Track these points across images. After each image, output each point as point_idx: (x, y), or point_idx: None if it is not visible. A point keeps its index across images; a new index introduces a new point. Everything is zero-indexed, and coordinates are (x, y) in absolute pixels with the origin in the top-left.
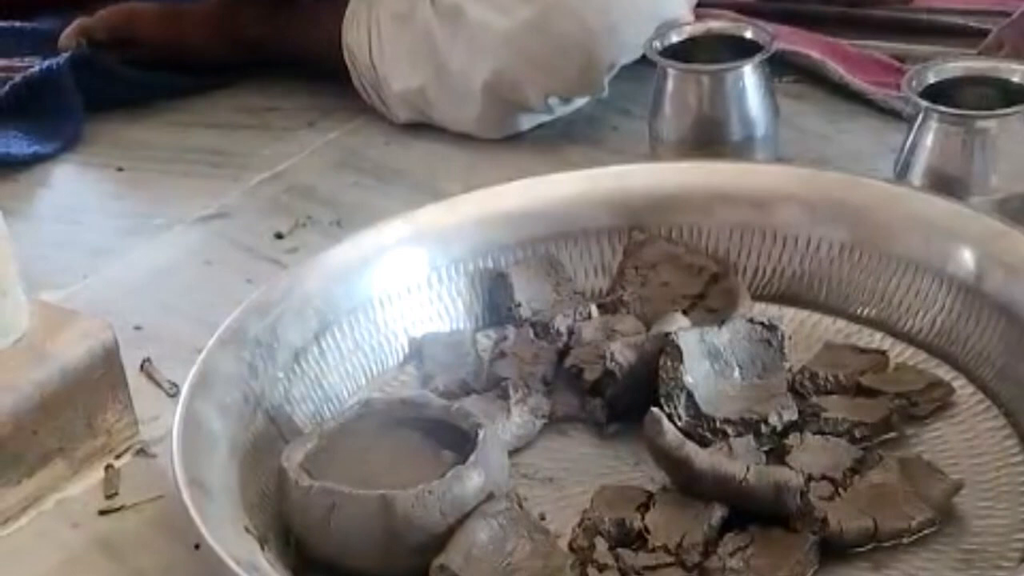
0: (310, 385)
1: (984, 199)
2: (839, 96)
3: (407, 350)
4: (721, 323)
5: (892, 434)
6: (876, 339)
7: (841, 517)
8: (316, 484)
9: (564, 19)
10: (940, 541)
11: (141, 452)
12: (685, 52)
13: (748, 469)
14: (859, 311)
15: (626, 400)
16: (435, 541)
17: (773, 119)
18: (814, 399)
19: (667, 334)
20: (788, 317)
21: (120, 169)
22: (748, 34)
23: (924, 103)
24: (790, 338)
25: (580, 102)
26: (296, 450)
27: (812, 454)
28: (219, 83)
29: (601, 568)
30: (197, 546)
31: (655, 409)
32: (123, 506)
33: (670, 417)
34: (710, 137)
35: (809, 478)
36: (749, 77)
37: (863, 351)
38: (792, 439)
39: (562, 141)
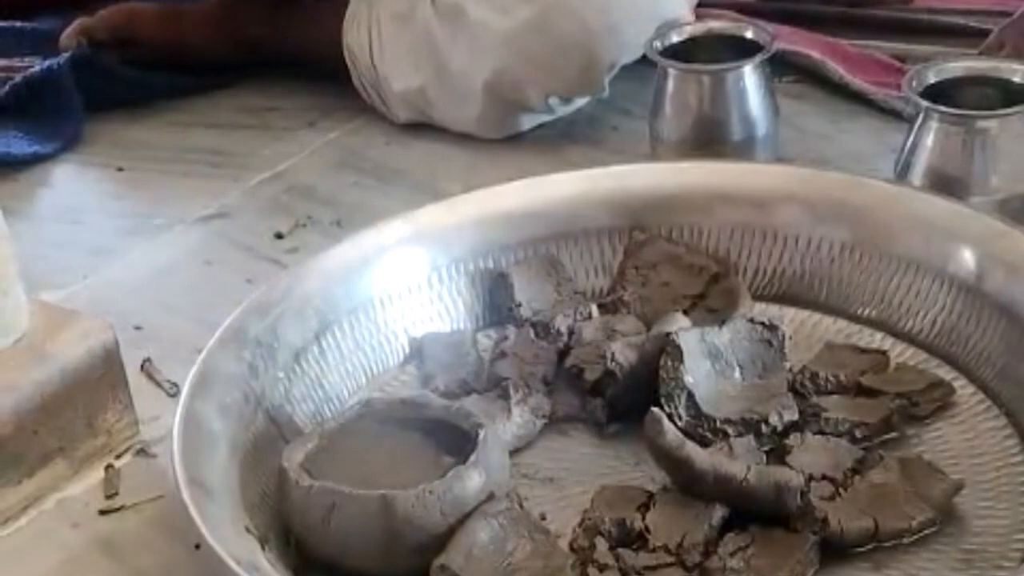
0: (310, 385)
1: (985, 199)
2: (839, 96)
3: (407, 350)
4: (722, 323)
5: (893, 434)
6: (877, 339)
7: (842, 517)
8: (316, 484)
9: (565, 19)
10: (941, 541)
11: (141, 452)
12: (685, 52)
13: (749, 469)
14: (860, 311)
15: (626, 400)
16: (435, 541)
17: (773, 119)
18: (815, 399)
19: (668, 334)
20: (789, 317)
21: (120, 169)
22: (748, 34)
23: (925, 103)
24: (791, 338)
25: (581, 102)
26: (296, 450)
27: (813, 454)
28: (219, 83)
29: (601, 568)
30: (197, 546)
31: (655, 409)
32: (123, 506)
33: (670, 417)
34: (710, 137)
35: (810, 478)
36: (749, 77)
37: (864, 351)
38: (793, 439)
39: (563, 141)
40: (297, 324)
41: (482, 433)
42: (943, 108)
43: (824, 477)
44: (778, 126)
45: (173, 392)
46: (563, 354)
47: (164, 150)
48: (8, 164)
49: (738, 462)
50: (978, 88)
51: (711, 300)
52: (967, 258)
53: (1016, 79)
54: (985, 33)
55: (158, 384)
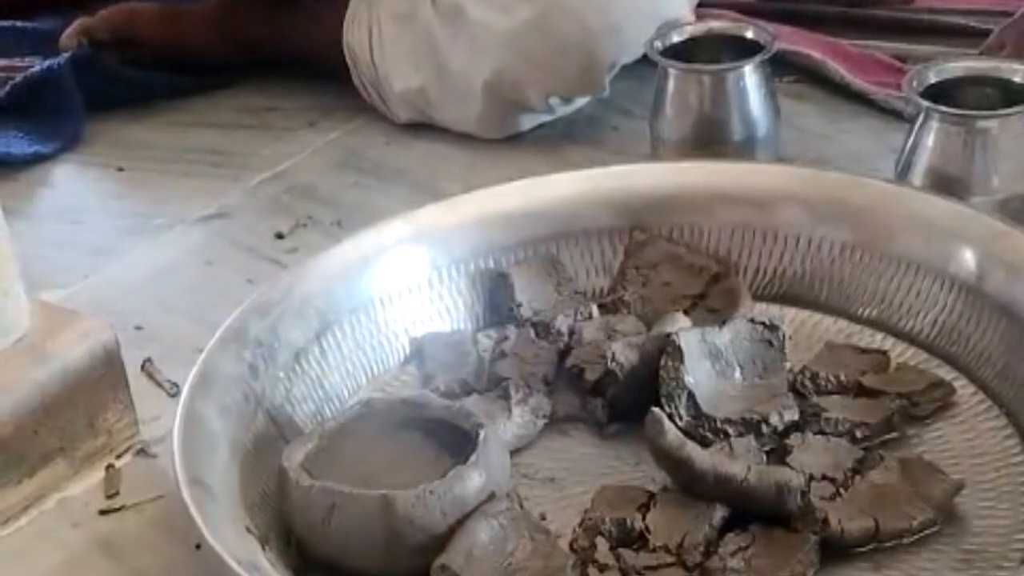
0: (311, 385)
1: (985, 199)
2: (840, 96)
3: (408, 350)
4: (722, 323)
5: (893, 434)
6: (877, 339)
7: (842, 517)
8: (317, 484)
9: (565, 19)
10: (941, 541)
11: (142, 452)
12: (686, 52)
13: (749, 469)
14: (860, 311)
15: (627, 400)
16: (436, 541)
17: (774, 119)
18: (815, 399)
19: (668, 334)
20: (789, 317)
21: (121, 169)
22: (749, 34)
23: (925, 103)
24: (791, 338)
25: (581, 102)
26: (297, 450)
27: (813, 454)
28: (220, 83)
29: (602, 568)
30: (198, 546)
31: (656, 409)
32: (124, 506)
33: (671, 417)
34: (711, 137)
35: (810, 478)
36: (750, 77)
37: (864, 351)
38: (793, 439)
39: (563, 141)
40: (297, 324)
41: (482, 433)
42: (944, 108)
43: (824, 477)
44: (779, 126)
45: (173, 392)
46: (563, 354)
47: (164, 150)
48: (8, 164)
49: (738, 462)
50: (979, 88)
51: (711, 300)
52: (968, 258)
53: (1016, 79)
54: (986, 33)
55: (158, 384)
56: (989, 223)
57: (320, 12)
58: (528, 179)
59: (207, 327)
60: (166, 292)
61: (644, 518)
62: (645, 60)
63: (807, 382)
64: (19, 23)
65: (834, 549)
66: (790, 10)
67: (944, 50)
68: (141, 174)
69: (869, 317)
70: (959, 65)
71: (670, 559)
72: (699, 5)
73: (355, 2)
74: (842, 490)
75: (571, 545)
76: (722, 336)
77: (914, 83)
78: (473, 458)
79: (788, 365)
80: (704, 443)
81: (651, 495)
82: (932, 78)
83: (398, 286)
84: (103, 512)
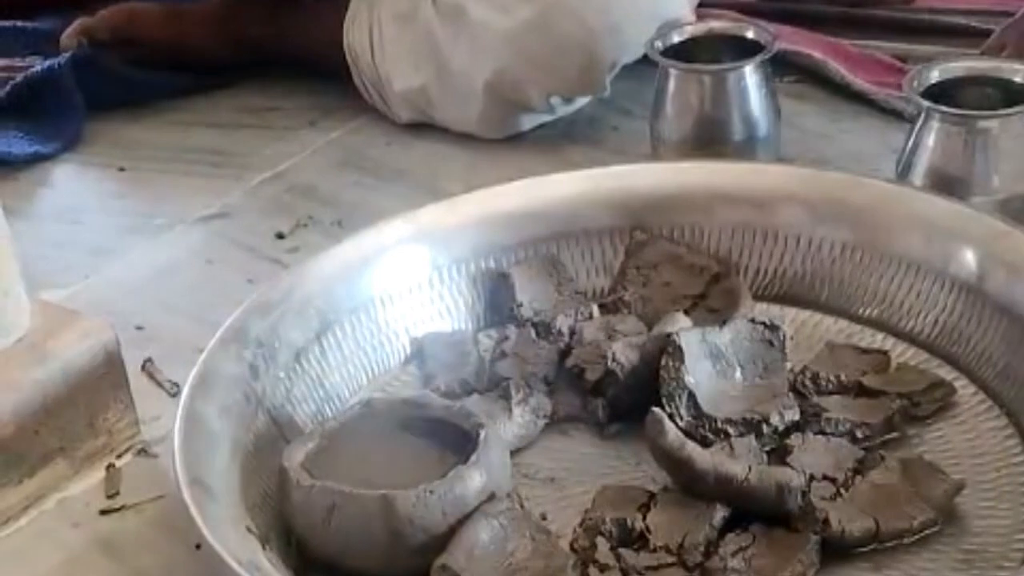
0: (311, 385)
1: (986, 199)
2: (840, 96)
3: (408, 350)
4: (723, 323)
5: (894, 434)
6: (878, 339)
7: (843, 517)
8: (317, 484)
9: (565, 19)
10: (941, 541)
11: (142, 452)
12: (686, 52)
13: (750, 469)
14: (861, 311)
15: (627, 400)
16: (436, 541)
17: (775, 119)
18: (816, 399)
19: (669, 334)
20: (790, 317)
21: (121, 169)
22: (749, 34)
23: (926, 103)
24: (792, 338)
25: (582, 102)
26: (297, 450)
27: (814, 454)
28: (220, 83)
29: (602, 568)
30: (198, 546)
31: (656, 409)
32: (124, 506)
33: (671, 417)
34: (711, 137)
35: (811, 478)
36: (751, 77)
37: (865, 351)
38: (794, 439)
39: (563, 141)
40: (298, 324)
41: (483, 433)
42: (944, 108)
43: (825, 477)
44: (779, 126)
45: (174, 392)
46: (564, 354)
47: (165, 150)
48: (9, 164)
49: (739, 462)
50: (979, 88)
51: (712, 300)
52: (968, 258)
53: (1017, 79)
54: (986, 33)
55: (159, 384)
56: (990, 223)
57: (321, 12)
58: (529, 179)
59: (208, 327)
60: (167, 292)
61: (645, 518)
62: (646, 60)
63: (808, 382)
64: (19, 23)
65: (835, 549)
66: (791, 10)
67: (945, 50)
68: (142, 174)
69: (870, 317)
70: (960, 65)
71: (671, 559)
72: (699, 5)
73: (356, 2)
74: (843, 490)
75: (572, 545)
76: (723, 336)
77: (915, 83)
78: (474, 458)
79: (789, 365)
80: (705, 443)
81: (652, 495)
82: (933, 78)
83: (399, 286)
84: (103, 512)
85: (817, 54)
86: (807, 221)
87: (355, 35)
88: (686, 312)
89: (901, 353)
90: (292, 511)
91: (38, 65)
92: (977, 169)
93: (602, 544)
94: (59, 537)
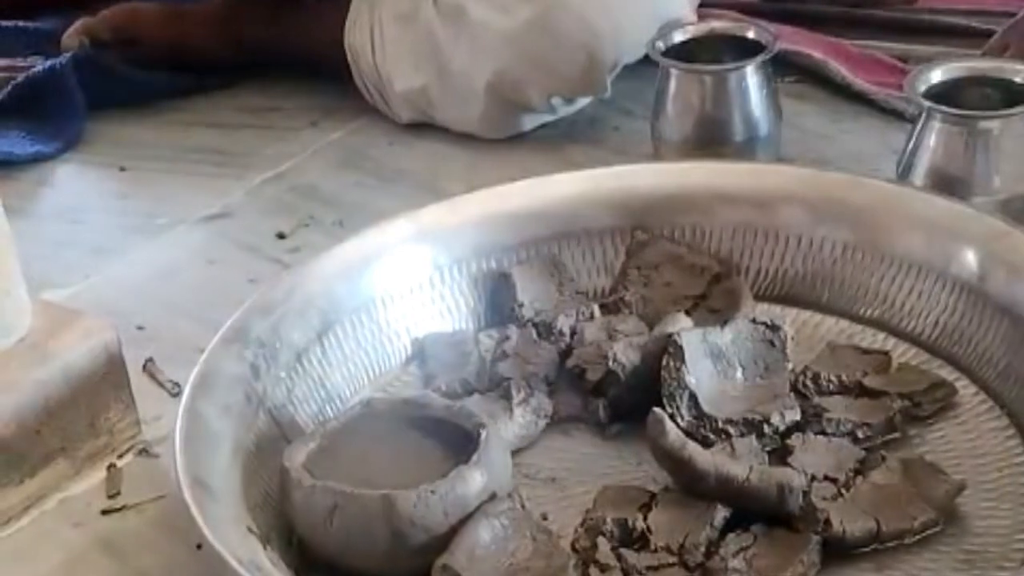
0: (312, 385)
1: (987, 199)
2: (841, 96)
3: (409, 350)
4: (724, 323)
5: (895, 435)
6: (879, 339)
7: (844, 518)
8: (318, 484)
9: (566, 19)
10: (943, 542)
11: (143, 452)
12: (688, 52)
13: (751, 469)
14: (862, 311)
15: (628, 400)
16: (438, 541)
17: (775, 119)
18: (817, 399)
19: (669, 334)
20: (790, 318)
21: (122, 169)
22: (750, 34)
23: (927, 103)
24: (793, 338)
25: (583, 102)
26: (298, 450)
27: (815, 455)
28: (221, 83)
29: (603, 568)
30: (199, 546)
31: (657, 409)
32: (125, 506)
33: (672, 417)
34: (712, 137)
35: (812, 479)
36: (751, 77)
37: (866, 352)
38: (795, 440)
39: (564, 141)
40: (299, 324)
41: (484, 433)
42: (945, 108)
43: (826, 478)
44: (780, 126)
45: (175, 392)
46: (565, 354)
47: (166, 150)
48: (10, 164)
49: (740, 462)
50: (980, 89)
51: (713, 300)
52: (969, 258)
53: (1018, 80)
54: (987, 33)
55: (160, 384)
56: (990, 223)
57: (322, 13)
58: (530, 179)
59: (209, 327)
60: (168, 292)
61: (646, 518)
62: (647, 60)
63: (809, 382)
64: (21, 23)
65: (836, 550)
66: (791, 10)
67: (945, 50)
68: (143, 174)
69: (871, 317)
70: (961, 65)
71: (671, 559)
72: (701, 5)
73: (357, 3)
74: (844, 490)
75: (573, 545)
76: (724, 336)
77: (916, 83)
78: (475, 458)
79: (790, 365)
80: (706, 443)
81: (652, 495)
82: (934, 78)
83: (400, 286)
84: (104, 512)
85: (818, 54)
86: (808, 221)
87: (356, 35)
88: (687, 312)
89: (902, 353)
90: (293, 511)
91: (39, 65)
92: (978, 169)
93: (603, 544)
94: (60, 537)
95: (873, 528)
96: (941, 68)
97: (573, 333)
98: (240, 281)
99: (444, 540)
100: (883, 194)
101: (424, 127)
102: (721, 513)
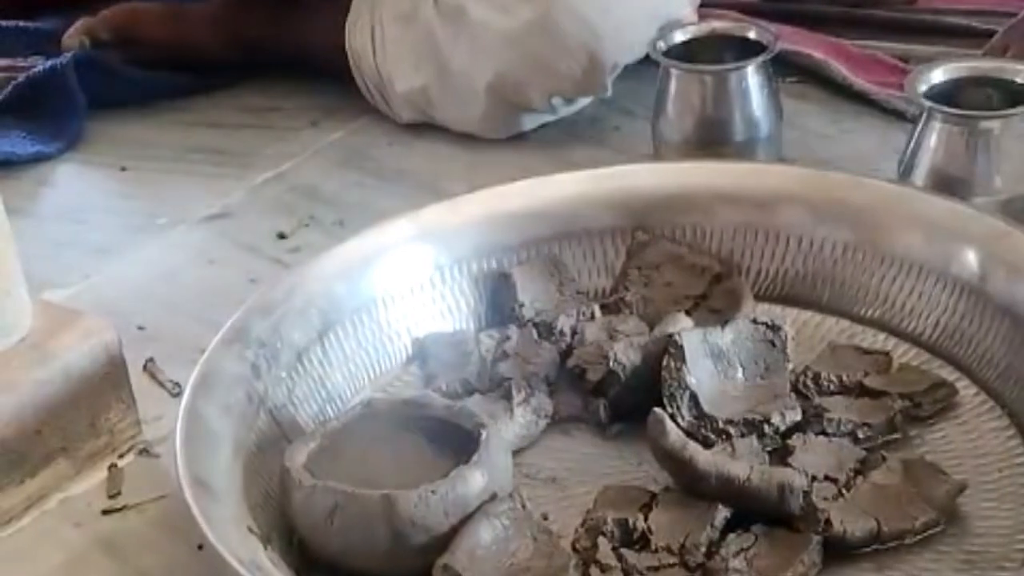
0: (313, 385)
1: (988, 200)
2: (842, 96)
3: (410, 350)
4: (724, 324)
5: (896, 435)
6: (879, 340)
7: (844, 518)
8: (319, 484)
9: (567, 19)
10: (943, 542)
11: (144, 452)
12: (688, 52)
13: (751, 470)
14: (862, 312)
15: (629, 400)
16: (438, 541)
17: (776, 119)
18: (817, 400)
19: (670, 334)
20: (791, 318)
21: (123, 169)
22: (751, 34)
23: (928, 103)
24: (793, 339)
25: (583, 102)
26: (299, 450)
27: (815, 455)
28: (222, 83)
29: (604, 568)
30: (200, 546)
31: (658, 409)
32: (126, 506)
33: (673, 417)
34: (713, 137)
35: (812, 479)
36: (752, 77)
37: (866, 352)
38: (795, 440)
39: (565, 141)
40: (300, 324)
41: (484, 433)
42: (946, 108)
43: (827, 478)
44: (781, 126)
45: (176, 392)
46: (565, 354)
47: (167, 150)
48: (11, 164)
49: (741, 463)
50: (981, 89)
51: (713, 300)
52: (970, 259)
53: (1019, 80)
54: (988, 33)
55: (161, 384)
56: (991, 223)
57: (322, 13)
58: (530, 179)
59: (209, 327)
60: (168, 292)
61: (646, 518)
62: (647, 60)
63: (809, 383)
64: (22, 23)
65: (836, 550)
66: (792, 10)
67: (946, 50)
68: (143, 174)
69: (871, 318)
70: (961, 65)
71: (672, 559)
72: (701, 5)
73: (357, 3)
74: (844, 491)
75: (573, 545)
76: (724, 336)
77: (916, 83)
78: (475, 458)
79: (790, 366)
80: (706, 443)
81: (653, 495)
82: (935, 78)
83: (400, 286)
84: (105, 512)
85: (818, 54)
86: (809, 221)
87: (357, 36)
88: (688, 312)
89: (903, 354)
90: (294, 511)
91: (40, 65)
92: (979, 170)
93: (604, 544)
94: (61, 537)
95: (874, 528)
96: (942, 68)
97: (574, 333)
98: (241, 281)
99: (445, 540)
100: (884, 194)
101: (425, 127)
102: (722, 513)
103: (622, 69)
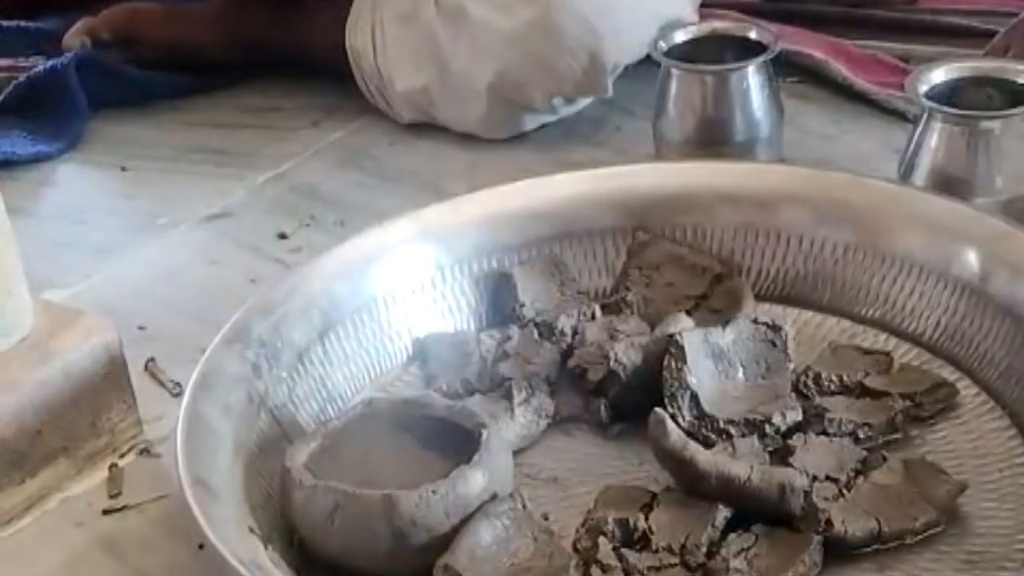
0: (314, 385)
1: (988, 200)
2: (843, 96)
3: (411, 350)
4: (725, 324)
5: (896, 435)
6: (880, 340)
7: (845, 518)
8: (320, 484)
9: (568, 19)
10: (944, 542)
11: (145, 452)
12: (689, 52)
13: (752, 470)
14: (863, 312)
15: (630, 400)
16: (439, 541)
17: (777, 120)
18: (818, 400)
19: (671, 335)
20: (792, 318)
21: (124, 169)
22: (752, 34)
23: (928, 103)
24: (794, 339)
25: (584, 102)
26: (299, 450)
27: (816, 455)
28: (222, 83)
29: (605, 568)
30: (201, 546)
31: (659, 410)
32: (126, 506)
33: (674, 417)
34: (714, 137)
35: (813, 479)
36: (753, 77)
37: (867, 352)
38: (796, 440)
39: (566, 141)
40: (301, 324)
41: (485, 433)
42: (947, 109)
43: (828, 478)
44: (782, 126)
45: (176, 392)
46: (566, 354)
47: (168, 150)
48: (12, 164)
49: (741, 463)
50: (982, 89)
51: (714, 301)
52: (971, 259)
53: (1020, 80)
54: (988, 33)
55: (162, 384)
56: (992, 224)
57: (323, 13)
58: (531, 179)
59: (210, 327)
60: (169, 292)
61: (647, 518)
62: (648, 60)
63: (810, 383)
64: (22, 23)
65: (837, 550)
66: (793, 10)
67: (947, 50)
68: (144, 174)
69: (872, 318)
70: (962, 65)
71: (673, 559)
72: (702, 5)
73: (358, 3)
74: (845, 491)
75: (574, 545)
76: (725, 337)
77: (917, 84)
78: (476, 458)
79: (791, 366)
80: (707, 443)
81: (654, 495)
82: (935, 78)
83: (401, 286)
84: (106, 512)
85: (819, 54)
86: (809, 221)
87: (357, 36)
88: (688, 313)
89: (904, 354)
90: (294, 511)
91: (41, 65)
92: (980, 170)
93: (604, 544)
94: (61, 537)
95: (874, 528)
96: (942, 68)
97: (574, 333)
98: (241, 281)
99: (445, 540)
100: (885, 194)
101: (425, 127)
102: (722, 513)
103: (623, 69)
